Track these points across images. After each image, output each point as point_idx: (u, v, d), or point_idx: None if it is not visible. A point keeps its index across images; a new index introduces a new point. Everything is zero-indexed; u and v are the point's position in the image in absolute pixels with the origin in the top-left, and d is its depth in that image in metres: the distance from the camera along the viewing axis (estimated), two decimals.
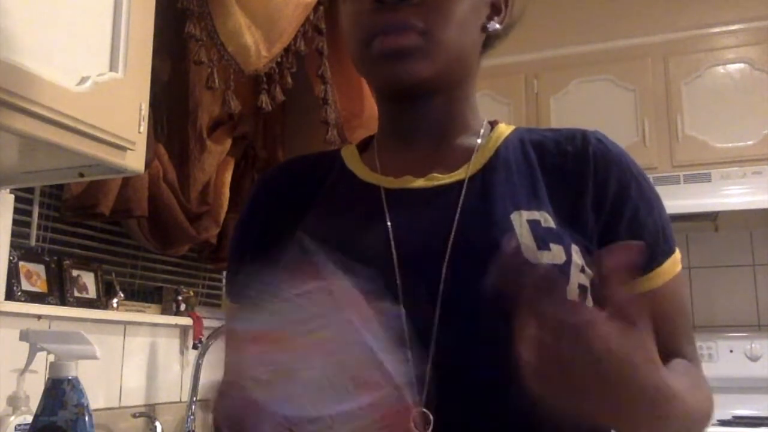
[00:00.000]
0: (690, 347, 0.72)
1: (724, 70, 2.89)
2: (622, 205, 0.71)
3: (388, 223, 0.69)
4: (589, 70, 3.01)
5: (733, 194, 2.68)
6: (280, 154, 2.27)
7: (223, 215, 2.01)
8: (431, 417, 0.60)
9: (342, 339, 0.48)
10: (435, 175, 0.72)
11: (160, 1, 1.26)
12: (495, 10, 0.76)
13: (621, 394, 0.51)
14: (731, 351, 2.80)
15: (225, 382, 0.55)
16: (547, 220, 0.67)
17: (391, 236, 0.68)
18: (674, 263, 0.73)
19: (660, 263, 0.71)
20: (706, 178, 2.72)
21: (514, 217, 0.67)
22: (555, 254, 0.65)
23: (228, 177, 2.03)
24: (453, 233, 0.66)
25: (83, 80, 1.07)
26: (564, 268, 0.64)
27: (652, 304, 0.61)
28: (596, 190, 0.71)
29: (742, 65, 2.87)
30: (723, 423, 2.23)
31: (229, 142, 2.01)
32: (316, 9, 1.89)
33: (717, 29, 2.93)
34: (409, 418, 0.52)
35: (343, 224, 0.71)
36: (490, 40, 0.77)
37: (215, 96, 1.84)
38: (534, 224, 0.67)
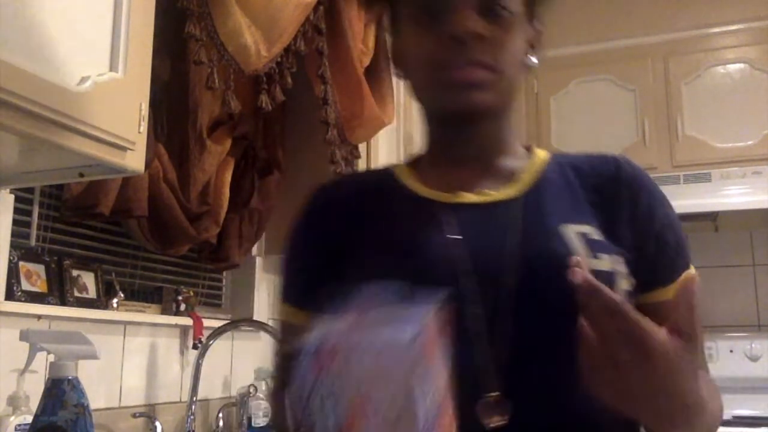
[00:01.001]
0: (702, 356, 0.76)
1: (724, 70, 2.89)
2: (651, 223, 0.80)
3: (449, 235, 0.76)
4: (589, 70, 3.01)
5: (733, 194, 2.69)
6: (280, 154, 2.27)
7: (223, 215, 2.01)
8: (509, 405, 0.68)
9: (392, 407, 0.49)
10: (486, 191, 0.81)
11: (160, 1, 1.26)
12: (531, 46, 0.84)
13: (666, 400, 0.60)
14: (731, 351, 2.80)
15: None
16: (594, 232, 0.77)
17: (455, 247, 0.75)
18: (693, 273, 0.80)
19: (679, 275, 0.79)
20: (706, 178, 2.72)
21: (567, 230, 0.76)
22: (603, 263, 0.74)
23: (228, 177, 2.03)
24: (517, 244, 0.74)
25: (83, 80, 1.07)
26: (611, 276, 0.73)
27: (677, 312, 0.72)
28: (630, 209, 0.80)
29: (742, 65, 2.87)
30: (723, 423, 2.22)
31: (229, 142, 2.01)
32: (316, 9, 1.89)
33: (717, 29, 2.93)
34: None
35: (404, 236, 0.78)
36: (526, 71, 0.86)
37: (215, 96, 1.84)
38: (583, 236, 0.75)
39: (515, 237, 0.75)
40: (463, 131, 0.83)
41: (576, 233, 0.75)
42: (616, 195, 0.81)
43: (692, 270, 0.80)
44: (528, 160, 0.85)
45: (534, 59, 0.84)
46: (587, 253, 0.73)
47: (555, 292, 0.68)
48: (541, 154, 0.87)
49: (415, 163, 0.89)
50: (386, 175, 0.88)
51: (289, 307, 0.86)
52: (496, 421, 0.68)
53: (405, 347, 0.49)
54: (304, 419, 0.49)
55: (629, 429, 0.72)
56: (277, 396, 0.86)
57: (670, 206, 0.84)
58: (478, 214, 0.79)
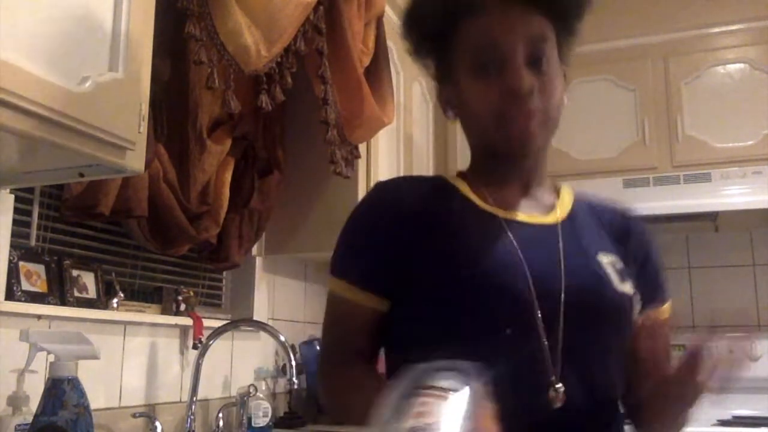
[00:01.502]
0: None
1: (724, 70, 2.89)
2: (648, 261, 1.00)
3: (516, 244, 0.90)
4: (589, 70, 3.00)
5: (733, 194, 2.68)
6: (280, 154, 2.27)
7: (223, 215, 2.01)
8: (563, 390, 0.85)
9: None
10: (534, 214, 0.95)
11: (160, 1, 1.25)
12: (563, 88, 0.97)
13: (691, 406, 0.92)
14: (731, 351, 2.80)
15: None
16: (618, 262, 0.94)
17: (517, 256, 0.88)
18: (669, 307, 1.03)
19: (666, 301, 1.02)
20: (706, 178, 2.72)
21: (601, 257, 0.93)
22: (627, 287, 0.93)
23: (228, 177, 2.03)
24: (563, 263, 0.90)
25: (83, 80, 1.07)
26: (633, 298, 0.93)
27: (664, 329, 1.01)
28: (636, 249, 0.99)
29: (742, 65, 2.87)
30: (723, 423, 2.22)
31: (229, 142, 2.01)
32: (316, 9, 1.89)
33: (717, 29, 2.93)
34: None
35: (472, 243, 0.90)
36: None
37: (215, 96, 1.84)
38: (613, 265, 0.93)
39: (560, 257, 0.90)
40: (506, 165, 0.96)
41: (608, 261, 0.93)
42: (626, 236, 0.99)
43: (669, 306, 1.03)
44: (557, 195, 1.01)
45: (565, 101, 0.95)
46: (618, 278, 0.92)
47: (596, 306, 0.88)
48: (568, 192, 1.03)
49: (464, 178, 1.00)
50: (445, 184, 0.99)
51: (347, 283, 0.93)
52: (557, 402, 0.85)
53: None
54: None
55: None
56: (329, 372, 0.96)
57: (659, 253, 1.04)
58: (530, 231, 0.93)
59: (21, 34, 0.97)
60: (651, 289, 0.99)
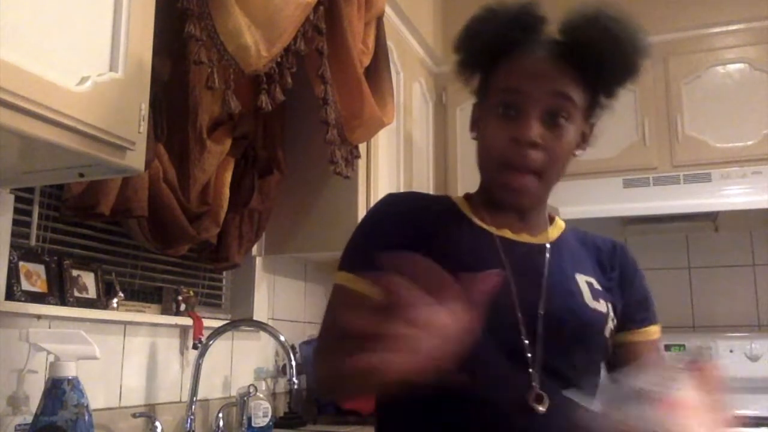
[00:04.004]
0: None
1: (724, 70, 2.89)
2: (633, 287, 1.06)
3: (504, 260, 0.96)
4: None
5: (733, 194, 2.68)
6: (280, 154, 2.27)
7: (223, 215, 2.01)
8: (546, 396, 0.90)
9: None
10: (524, 235, 1.02)
11: (160, 1, 1.25)
12: (584, 138, 1.03)
13: None
14: (731, 351, 2.80)
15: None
16: (595, 283, 1.00)
17: (507, 269, 0.95)
18: (657, 330, 1.08)
19: (651, 324, 1.07)
20: (706, 178, 2.72)
21: (578, 276, 0.99)
22: (601, 305, 0.98)
23: (228, 177, 2.03)
24: (546, 278, 0.96)
25: (83, 80, 1.07)
26: (605, 316, 0.98)
27: (645, 352, 1.04)
28: (621, 278, 1.05)
29: (742, 65, 2.87)
30: None
31: (229, 142, 2.01)
32: (316, 9, 1.89)
33: (717, 29, 2.93)
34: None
35: (468, 252, 0.97)
36: None
37: (215, 96, 1.84)
38: (589, 284, 0.99)
39: (543, 275, 0.96)
40: (505, 201, 1.01)
41: (584, 280, 0.99)
42: (611, 265, 1.06)
43: (657, 328, 1.07)
44: (551, 223, 1.07)
45: (580, 151, 1.01)
46: (591, 295, 0.97)
47: (568, 322, 0.94)
48: (560, 222, 1.10)
49: (468, 199, 1.07)
50: (448, 202, 1.06)
51: (349, 273, 0.98)
52: (540, 407, 0.89)
53: None
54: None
55: None
56: (323, 348, 0.98)
57: (646, 281, 1.10)
58: (520, 249, 0.99)
59: (21, 34, 0.97)
60: (636, 311, 1.05)
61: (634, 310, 1.05)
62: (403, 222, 1.00)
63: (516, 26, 0.98)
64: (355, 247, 1.02)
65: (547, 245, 1.02)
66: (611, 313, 0.99)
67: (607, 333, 0.98)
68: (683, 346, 2.79)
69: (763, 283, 2.99)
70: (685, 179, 2.73)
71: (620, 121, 2.95)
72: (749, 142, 2.77)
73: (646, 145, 2.90)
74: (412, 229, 0.98)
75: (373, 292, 0.91)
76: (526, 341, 0.92)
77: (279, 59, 1.78)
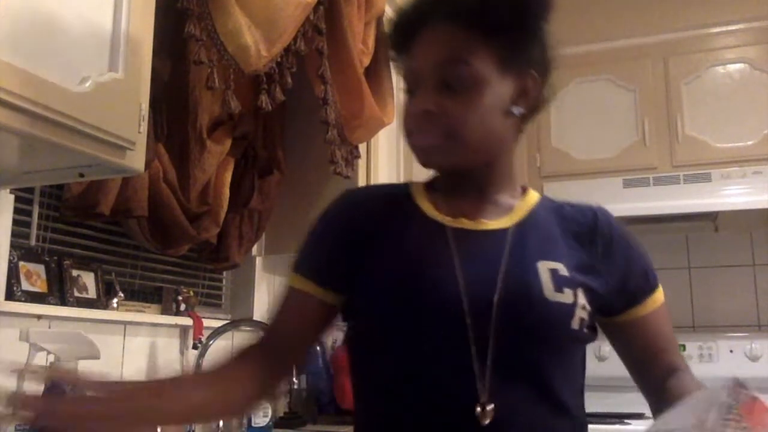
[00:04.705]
0: (680, 356, 1.00)
1: (724, 70, 2.89)
2: (622, 262, 0.99)
3: (455, 254, 0.92)
4: (589, 70, 3.00)
5: (733, 194, 2.68)
6: (280, 154, 2.27)
7: (223, 215, 2.01)
8: (492, 407, 0.84)
9: None
10: (482, 221, 0.96)
11: (160, 1, 1.26)
12: (522, 95, 0.95)
13: None
14: (731, 351, 2.80)
15: None
16: (562, 269, 0.92)
17: (456, 264, 0.90)
18: (660, 293, 1.01)
19: (651, 293, 1.00)
20: (706, 178, 2.72)
21: (540, 264, 0.91)
22: (566, 296, 0.90)
23: (228, 177, 2.03)
24: (502, 270, 0.90)
25: (83, 80, 1.07)
26: (571, 307, 0.90)
27: (655, 323, 0.99)
28: (604, 252, 0.97)
29: (742, 65, 2.87)
30: None
31: (229, 142, 2.01)
32: (316, 9, 1.89)
33: (717, 29, 2.93)
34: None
35: (414, 250, 0.93)
36: (525, 117, 0.97)
37: (215, 96, 1.84)
38: (553, 272, 0.91)
39: (500, 266, 0.91)
40: (454, 177, 0.99)
41: (547, 269, 0.91)
42: (592, 238, 0.98)
43: (661, 289, 1.00)
44: (521, 199, 1.00)
45: (519, 109, 0.95)
46: (554, 286, 0.89)
47: (524, 318, 0.87)
48: (533, 196, 1.02)
49: (429, 186, 1.03)
50: (405, 192, 1.03)
51: (299, 276, 0.99)
52: (485, 419, 0.84)
53: None
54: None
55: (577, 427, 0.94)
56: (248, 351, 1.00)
57: (635, 240, 1.02)
58: (475, 241, 0.94)
59: (21, 34, 0.97)
60: (630, 284, 0.98)
61: (628, 284, 0.98)
62: (349, 222, 0.99)
63: (415, 10, 0.97)
64: (303, 248, 1.02)
65: (509, 230, 0.95)
66: (581, 300, 0.90)
67: (575, 325, 0.89)
68: (683, 346, 2.79)
69: (763, 283, 2.99)
70: (685, 179, 2.74)
71: (620, 121, 2.95)
72: (749, 142, 2.78)
73: (646, 145, 2.90)
74: (359, 232, 0.97)
75: (309, 288, 0.97)
76: (474, 345, 0.86)
77: (279, 59, 1.78)
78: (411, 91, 0.97)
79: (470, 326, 0.86)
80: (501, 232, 0.95)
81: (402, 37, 0.99)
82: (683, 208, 2.69)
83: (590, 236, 0.98)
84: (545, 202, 1.02)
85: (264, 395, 1.01)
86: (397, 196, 1.02)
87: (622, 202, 2.71)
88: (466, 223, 0.95)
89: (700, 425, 0.73)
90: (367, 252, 0.95)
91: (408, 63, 0.97)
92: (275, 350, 0.99)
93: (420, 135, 0.93)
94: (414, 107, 0.94)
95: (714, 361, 2.76)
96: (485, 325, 0.86)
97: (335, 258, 0.97)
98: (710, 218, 2.85)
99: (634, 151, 2.90)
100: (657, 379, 0.96)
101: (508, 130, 0.96)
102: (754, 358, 2.76)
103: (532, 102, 0.97)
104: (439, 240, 0.94)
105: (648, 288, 1.00)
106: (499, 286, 0.88)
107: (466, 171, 0.96)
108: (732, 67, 2.88)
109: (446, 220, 0.96)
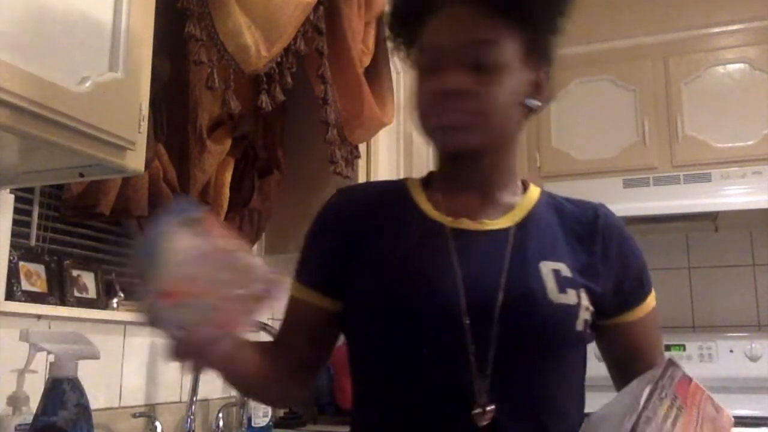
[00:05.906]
0: (663, 357, 0.95)
1: (724, 70, 2.90)
2: (620, 263, 0.96)
3: (454, 255, 0.89)
4: (589, 70, 3.01)
5: (733, 194, 2.69)
6: (280, 154, 2.27)
7: (223, 215, 2.01)
8: (490, 408, 0.83)
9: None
10: (484, 221, 0.93)
11: (160, 1, 1.26)
12: (536, 88, 0.95)
13: None
14: (731, 351, 2.80)
15: None
16: (565, 270, 0.90)
17: (455, 265, 0.88)
18: (652, 298, 0.99)
19: (644, 299, 0.98)
20: (706, 178, 2.72)
21: (542, 266, 0.89)
22: (569, 297, 0.88)
23: (228, 177, 2.03)
24: (504, 271, 0.88)
25: (83, 80, 1.07)
26: (575, 308, 0.88)
27: (644, 328, 0.97)
28: (603, 250, 0.95)
29: (742, 65, 2.87)
30: None
31: (229, 142, 2.01)
32: (316, 9, 1.89)
33: (717, 29, 2.93)
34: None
35: (410, 252, 0.91)
36: (532, 112, 0.96)
37: (215, 96, 1.83)
38: (556, 273, 0.89)
39: (502, 267, 0.88)
40: (460, 166, 0.95)
41: (550, 270, 0.89)
42: (592, 238, 0.95)
43: (652, 296, 0.98)
44: (522, 196, 0.98)
45: (534, 102, 0.94)
46: (557, 287, 0.87)
47: (527, 322, 0.86)
48: (534, 192, 1.00)
49: (427, 182, 1.01)
50: (401, 189, 1.00)
51: (295, 282, 0.99)
52: (483, 421, 0.83)
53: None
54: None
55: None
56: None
57: (635, 245, 1.00)
58: (476, 242, 0.92)
59: (20, 33, 0.97)
60: (626, 289, 0.96)
61: (623, 289, 0.95)
62: (346, 222, 0.97)
63: None
64: (301, 254, 1.01)
65: (511, 230, 0.93)
66: (584, 302, 0.89)
67: (579, 326, 0.88)
68: (683, 346, 2.79)
69: (763, 283, 2.99)
70: (685, 179, 2.74)
71: (620, 121, 2.95)
72: (749, 142, 2.78)
73: (646, 145, 2.90)
74: (354, 233, 0.95)
75: (311, 297, 0.96)
76: (473, 346, 0.85)
77: (279, 59, 1.78)
78: (429, 69, 0.92)
79: (469, 328, 0.85)
80: (502, 233, 0.93)
81: (414, 13, 0.95)
82: (683, 208, 2.70)
83: (591, 235, 0.95)
84: (546, 199, 1.00)
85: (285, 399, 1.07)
86: (393, 193, 1.00)
87: (622, 202, 2.71)
88: (467, 224, 0.93)
89: (635, 405, 0.75)
90: (364, 252, 0.93)
91: (429, 39, 0.92)
92: (286, 362, 0.98)
93: (444, 115, 0.88)
94: (438, 85, 0.89)
95: (714, 361, 2.76)
96: (486, 327, 0.85)
97: (331, 263, 0.96)
98: (710, 218, 2.85)
99: (634, 151, 2.90)
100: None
101: (520, 122, 0.95)
102: (754, 358, 2.76)
103: (543, 97, 0.96)
104: (438, 240, 0.91)
105: (641, 293, 0.98)
106: (501, 288, 0.86)
107: (480, 156, 0.93)
108: (732, 67, 2.88)
109: (446, 220, 0.94)
